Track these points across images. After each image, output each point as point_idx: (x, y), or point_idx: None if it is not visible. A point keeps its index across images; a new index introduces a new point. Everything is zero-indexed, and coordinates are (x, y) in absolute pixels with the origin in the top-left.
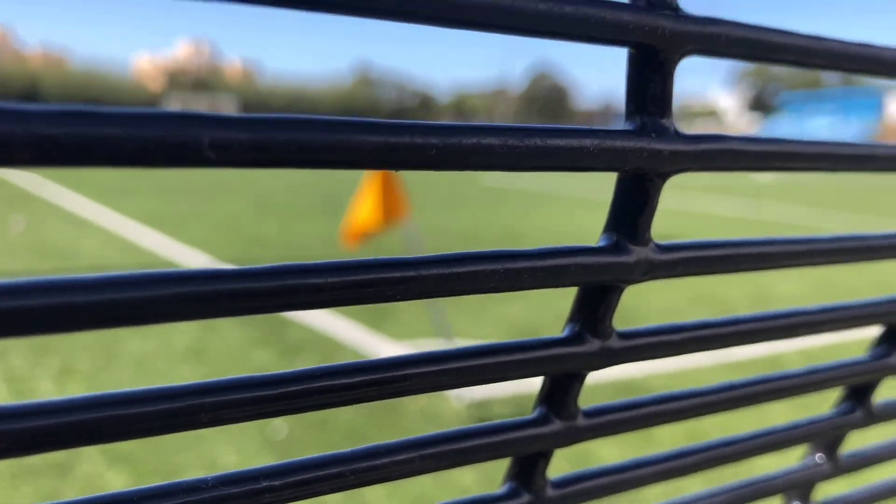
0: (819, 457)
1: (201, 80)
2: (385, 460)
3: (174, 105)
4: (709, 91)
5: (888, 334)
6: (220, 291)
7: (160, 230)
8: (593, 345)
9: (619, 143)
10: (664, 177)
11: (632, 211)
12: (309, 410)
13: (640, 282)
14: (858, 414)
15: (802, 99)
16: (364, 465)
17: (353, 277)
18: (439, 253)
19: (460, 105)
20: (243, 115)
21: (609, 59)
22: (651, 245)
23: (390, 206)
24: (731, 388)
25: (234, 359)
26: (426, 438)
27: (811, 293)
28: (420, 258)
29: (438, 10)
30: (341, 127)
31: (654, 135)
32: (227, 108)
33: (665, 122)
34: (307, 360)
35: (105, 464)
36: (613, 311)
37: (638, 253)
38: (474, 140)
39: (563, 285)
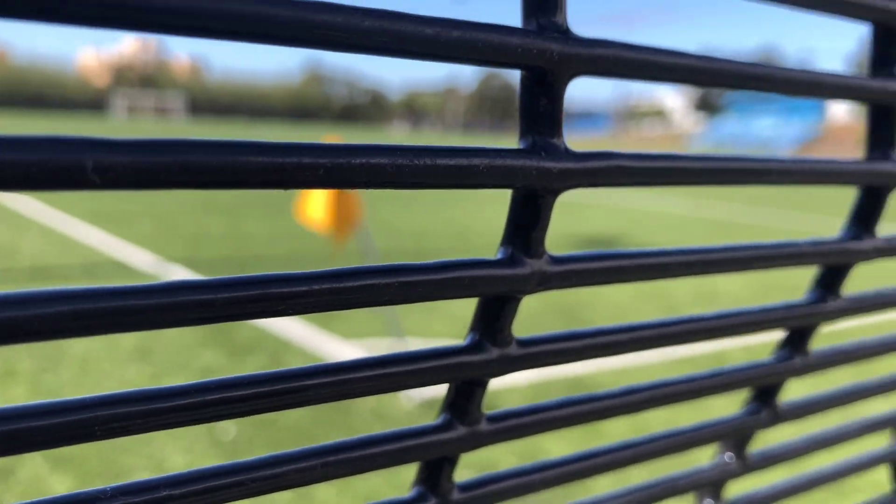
0: (728, 456)
1: (148, 77)
2: (286, 468)
3: (121, 101)
4: (656, 91)
5: (790, 338)
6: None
7: (103, 228)
8: (493, 353)
9: (509, 162)
10: (555, 193)
11: (526, 225)
12: (204, 422)
13: (535, 292)
14: (765, 414)
15: (748, 99)
16: (265, 473)
17: (243, 293)
18: (337, 267)
19: (411, 103)
20: (127, 138)
21: None
22: (545, 257)
23: (350, 211)
24: (638, 391)
25: (182, 359)
26: (329, 446)
27: (755, 290)
28: (312, 273)
29: (333, 36)
30: (227, 149)
31: (543, 153)
32: (175, 104)
33: (555, 140)
34: (256, 360)
35: (48, 467)
36: (512, 319)
37: (532, 265)
38: (363, 160)
39: (461, 297)
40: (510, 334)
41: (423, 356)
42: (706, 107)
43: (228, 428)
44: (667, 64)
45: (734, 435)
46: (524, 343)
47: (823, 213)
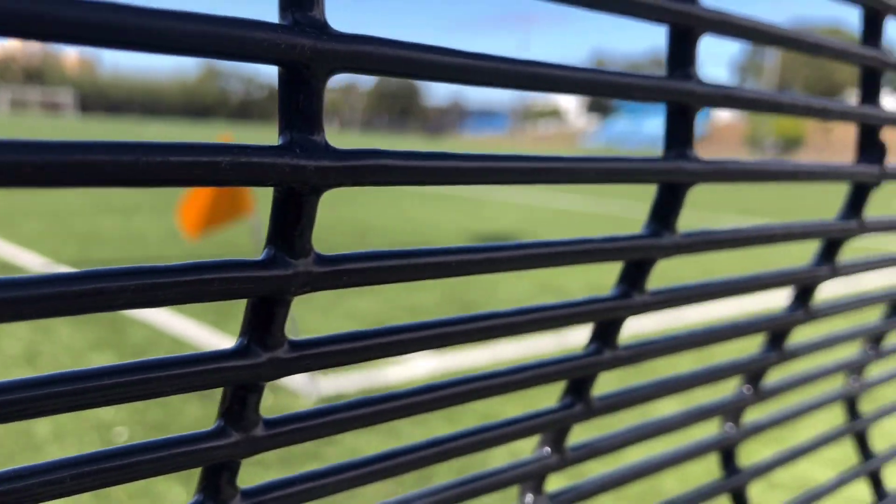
0: (546, 450)
1: (34, 71)
2: (30, 482)
3: (4, 95)
4: None
5: (599, 332)
6: None
7: None
8: (262, 356)
9: (257, 160)
10: (317, 191)
11: (289, 225)
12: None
13: (301, 293)
14: (579, 408)
15: None
16: (3, 488)
17: None
18: (61, 271)
19: None
20: None
21: None
22: (311, 257)
23: (233, 201)
24: (447, 386)
25: (70, 364)
26: (85, 457)
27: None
28: (35, 277)
29: (41, 28)
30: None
31: (299, 150)
32: (64, 99)
33: (315, 137)
34: None
35: None
36: (283, 321)
37: (296, 266)
38: (79, 157)
39: (217, 299)
40: (282, 337)
41: (188, 361)
42: (599, 107)
43: (122, 431)
44: (431, 61)
45: (550, 428)
46: (297, 345)
47: (716, 211)
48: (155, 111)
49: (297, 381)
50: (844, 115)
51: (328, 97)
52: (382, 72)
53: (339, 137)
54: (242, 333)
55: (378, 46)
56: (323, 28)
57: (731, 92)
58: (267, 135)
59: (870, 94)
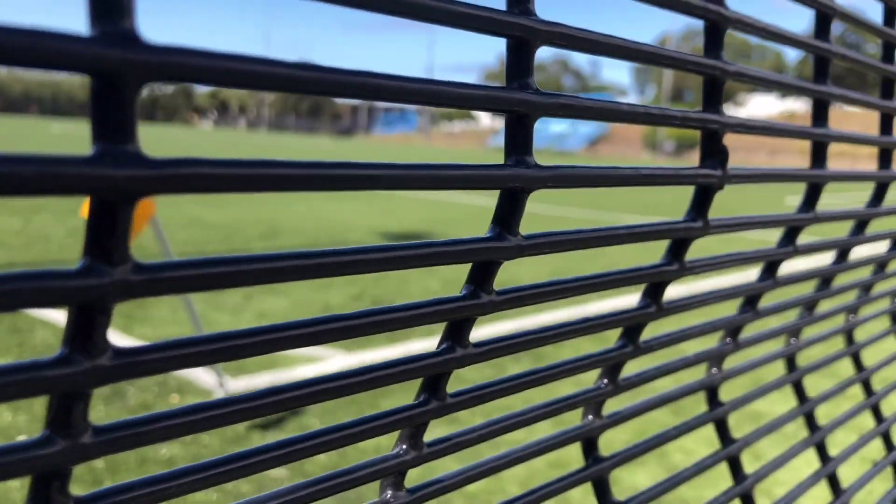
0: (403, 446)
1: None
2: None
3: None
4: None
5: (450, 331)
6: None
7: None
8: (83, 365)
9: (66, 171)
10: (129, 200)
11: (104, 234)
12: None
13: (120, 301)
14: (433, 405)
15: None
16: None
17: None
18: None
19: (218, 93)
20: None
21: (377, 55)
22: (130, 266)
23: (142, 205)
24: (292, 388)
25: None
26: None
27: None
28: None
29: None
30: None
31: (110, 160)
32: None
33: (127, 147)
34: None
35: None
36: (105, 330)
37: (113, 274)
38: None
39: (32, 308)
40: (105, 345)
41: (8, 370)
42: None
43: (23, 439)
44: (241, 70)
45: (406, 425)
46: (122, 353)
47: (625, 211)
48: (56, 109)
49: (208, 381)
50: (686, 122)
51: (239, 93)
52: (194, 81)
53: (246, 137)
54: (64, 343)
55: (189, 57)
56: (133, 39)
57: (567, 101)
58: (158, 134)
59: (712, 101)
